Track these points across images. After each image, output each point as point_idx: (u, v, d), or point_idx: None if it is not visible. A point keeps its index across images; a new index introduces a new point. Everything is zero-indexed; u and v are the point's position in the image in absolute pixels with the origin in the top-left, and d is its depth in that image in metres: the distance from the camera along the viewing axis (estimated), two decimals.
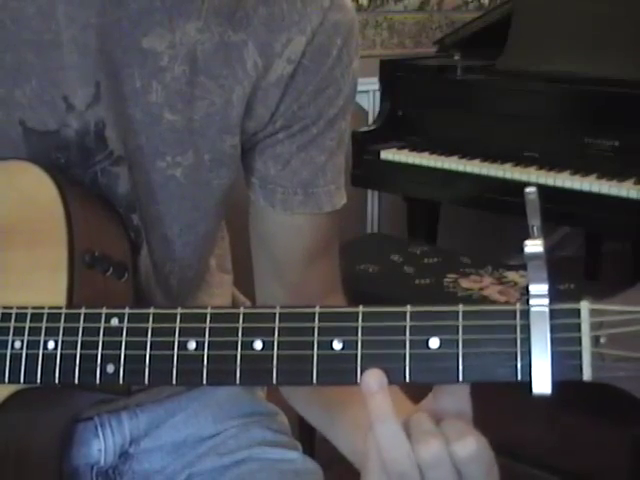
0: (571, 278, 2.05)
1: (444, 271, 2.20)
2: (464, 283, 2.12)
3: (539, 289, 0.66)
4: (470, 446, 0.69)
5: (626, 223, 2.23)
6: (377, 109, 2.86)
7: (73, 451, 1.00)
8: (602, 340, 0.64)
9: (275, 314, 0.72)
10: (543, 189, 2.15)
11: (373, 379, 0.69)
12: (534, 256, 0.66)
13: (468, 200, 2.58)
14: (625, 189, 2.21)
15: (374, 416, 0.70)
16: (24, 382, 0.79)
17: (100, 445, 1.02)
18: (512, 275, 2.15)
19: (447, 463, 0.69)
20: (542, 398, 0.65)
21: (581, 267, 3.24)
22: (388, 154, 2.65)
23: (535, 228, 0.66)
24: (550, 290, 0.66)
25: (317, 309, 0.71)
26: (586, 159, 2.32)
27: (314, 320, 0.70)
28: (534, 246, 0.66)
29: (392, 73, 2.75)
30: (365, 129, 2.76)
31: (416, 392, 0.76)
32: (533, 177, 2.33)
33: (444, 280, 2.15)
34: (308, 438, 2.25)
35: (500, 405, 1.79)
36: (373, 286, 2.16)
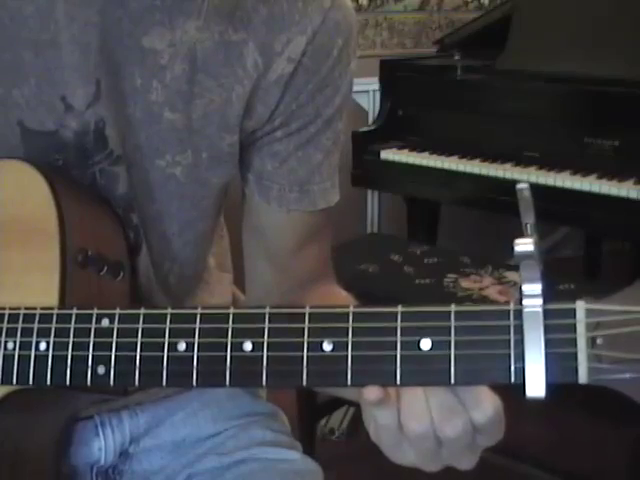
0: (571, 278, 2.04)
1: (444, 271, 2.20)
2: (464, 283, 2.12)
3: (532, 289, 0.65)
4: (488, 412, 0.70)
5: (626, 223, 2.23)
6: (377, 109, 2.85)
7: (73, 450, 1.00)
8: (599, 341, 0.62)
9: (265, 315, 0.71)
10: (543, 189, 2.14)
11: (373, 395, 0.69)
12: (525, 255, 0.65)
13: (468, 200, 2.57)
14: (625, 189, 2.20)
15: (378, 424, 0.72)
16: (17, 383, 0.78)
17: (100, 444, 1.03)
18: (512, 275, 2.15)
19: (469, 432, 0.71)
20: (537, 401, 0.64)
21: (581, 267, 3.24)
22: (388, 154, 2.65)
23: (529, 226, 0.65)
24: (544, 290, 0.64)
25: (307, 310, 0.70)
26: (586, 159, 2.31)
27: (304, 321, 0.69)
28: (524, 245, 0.64)
29: (392, 73, 2.75)
30: (365, 129, 2.76)
31: None
32: (533, 177, 2.33)
33: (444, 280, 2.15)
34: (308, 438, 2.25)
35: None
36: (373, 286, 2.16)
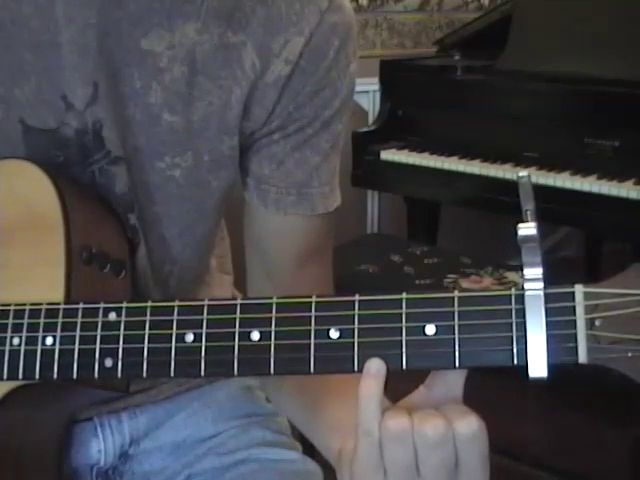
0: (571, 278, 2.04)
1: (444, 271, 2.21)
2: (464, 283, 2.13)
3: (533, 272, 0.67)
4: (473, 424, 0.69)
5: (626, 223, 2.23)
6: (377, 109, 2.86)
7: (73, 451, 1.00)
8: (597, 322, 0.65)
9: (272, 304, 0.72)
10: (543, 189, 2.14)
11: (374, 365, 0.70)
12: (528, 239, 0.66)
13: (468, 200, 2.57)
14: (625, 189, 2.20)
15: (361, 394, 0.70)
16: (23, 378, 0.79)
17: (100, 446, 1.03)
18: (512, 275, 2.16)
19: (450, 442, 0.69)
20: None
21: (581, 267, 3.24)
22: (388, 154, 2.65)
23: (529, 212, 0.67)
24: (545, 273, 0.66)
25: (314, 298, 0.71)
26: (586, 159, 2.31)
27: (311, 309, 0.71)
28: (527, 229, 0.66)
29: (392, 73, 2.76)
30: (365, 129, 2.76)
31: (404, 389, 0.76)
32: (533, 177, 2.32)
33: (444, 280, 2.15)
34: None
35: (500, 406, 1.79)
36: (373, 286, 2.16)
